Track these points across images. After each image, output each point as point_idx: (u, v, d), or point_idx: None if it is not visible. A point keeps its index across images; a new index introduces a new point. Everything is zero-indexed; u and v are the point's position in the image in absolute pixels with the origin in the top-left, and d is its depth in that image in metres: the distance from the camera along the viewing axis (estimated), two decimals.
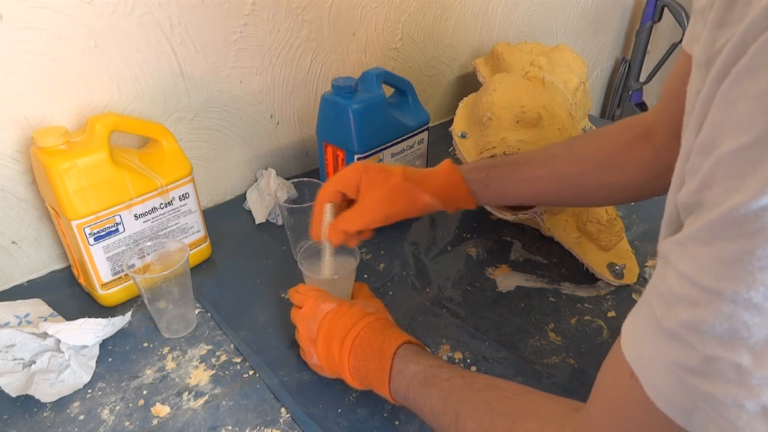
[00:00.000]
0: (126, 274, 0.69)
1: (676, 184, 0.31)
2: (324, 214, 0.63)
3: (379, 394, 0.53)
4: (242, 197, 0.93)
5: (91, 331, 0.61)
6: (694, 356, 0.26)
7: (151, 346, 0.65)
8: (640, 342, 0.30)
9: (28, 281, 0.76)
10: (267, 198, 0.87)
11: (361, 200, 0.62)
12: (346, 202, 0.65)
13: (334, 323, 0.55)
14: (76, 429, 0.56)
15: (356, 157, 0.79)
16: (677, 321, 0.27)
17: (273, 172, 0.89)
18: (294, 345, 0.64)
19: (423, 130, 0.89)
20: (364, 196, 0.62)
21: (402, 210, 0.63)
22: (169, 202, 0.71)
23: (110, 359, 0.64)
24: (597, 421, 0.35)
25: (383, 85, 0.82)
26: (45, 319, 0.67)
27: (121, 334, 0.66)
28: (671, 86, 0.55)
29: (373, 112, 0.79)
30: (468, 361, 0.64)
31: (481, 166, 0.66)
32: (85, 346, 0.62)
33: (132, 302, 0.72)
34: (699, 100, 0.29)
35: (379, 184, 0.62)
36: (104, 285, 0.69)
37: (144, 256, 0.66)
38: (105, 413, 0.57)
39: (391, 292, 0.74)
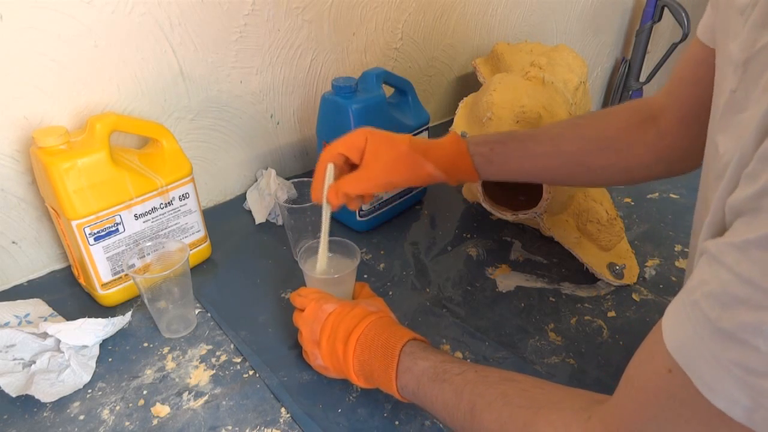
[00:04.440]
0: (126, 274, 0.69)
1: (727, 187, 0.31)
2: (326, 175, 0.62)
3: (385, 391, 0.53)
4: (242, 197, 0.93)
5: (91, 331, 0.61)
6: (758, 358, 0.26)
7: (151, 346, 0.65)
8: (689, 341, 0.30)
9: (28, 281, 0.76)
10: (267, 198, 0.87)
11: (364, 165, 0.62)
12: (348, 166, 0.64)
13: (337, 323, 0.55)
14: (76, 429, 0.56)
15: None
16: (736, 323, 0.27)
17: (273, 172, 0.89)
18: (294, 345, 0.64)
19: (423, 130, 0.89)
20: (368, 162, 0.62)
21: (405, 179, 0.63)
22: (169, 202, 0.71)
23: (110, 359, 0.64)
24: (628, 413, 0.35)
25: (383, 85, 0.81)
26: (45, 319, 0.67)
27: (121, 334, 0.66)
28: (681, 73, 0.55)
29: (373, 112, 0.78)
30: (468, 361, 0.64)
31: (486, 140, 0.65)
32: (85, 346, 0.62)
33: (132, 302, 0.72)
34: (761, 114, 0.28)
35: (384, 150, 0.62)
36: (104, 285, 0.69)
37: (144, 256, 0.66)
38: (105, 413, 0.57)
39: (391, 292, 0.74)
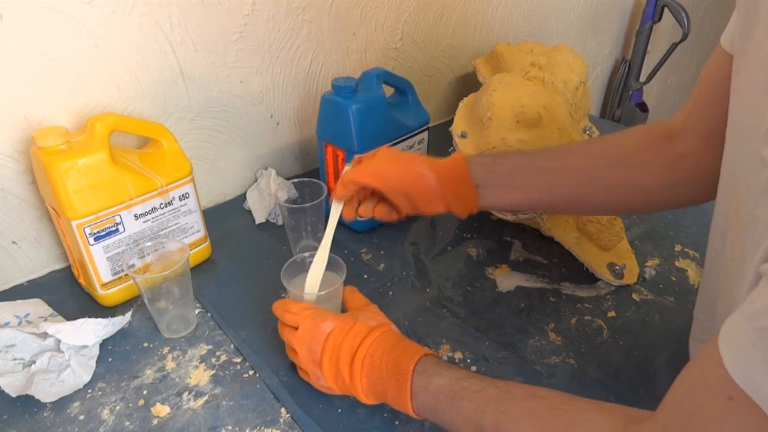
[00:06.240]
0: (126, 274, 0.69)
1: None
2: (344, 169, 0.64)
3: (401, 411, 0.52)
4: (242, 197, 0.93)
5: (91, 331, 0.61)
6: None
7: (151, 346, 0.65)
8: (759, 370, 0.29)
9: (28, 281, 0.76)
10: (267, 198, 0.87)
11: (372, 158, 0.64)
12: (368, 192, 0.65)
13: (338, 343, 0.53)
14: (76, 429, 0.56)
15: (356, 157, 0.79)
16: None
17: (273, 172, 0.89)
18: None
19: (423, 130, 0.89)
20: (377, 157, 0.63)
21: (395, 171, 0.61)
22: (169, 202, 0.71)
23: (110, 359, 0.64)
24: None
25: (383, 85, 0.81)
26: (45, 319, 0.67)
27: (121, 334, 0.66)
28: (705, 88, 0.53)
29: (373, 112, 0.78)
30: (468, 361, 0.64)
31: (489, 153, 0.64)
32: (85, 346, 0.62)
33: (132, 302, 0.72)
34: None
35: (383, 151, 0.64)
36: (104, 285, 0.69)
37: (144, 256, 0.66)
38: (105, 413, 0.57)
39: (391, 292, 0.74)
